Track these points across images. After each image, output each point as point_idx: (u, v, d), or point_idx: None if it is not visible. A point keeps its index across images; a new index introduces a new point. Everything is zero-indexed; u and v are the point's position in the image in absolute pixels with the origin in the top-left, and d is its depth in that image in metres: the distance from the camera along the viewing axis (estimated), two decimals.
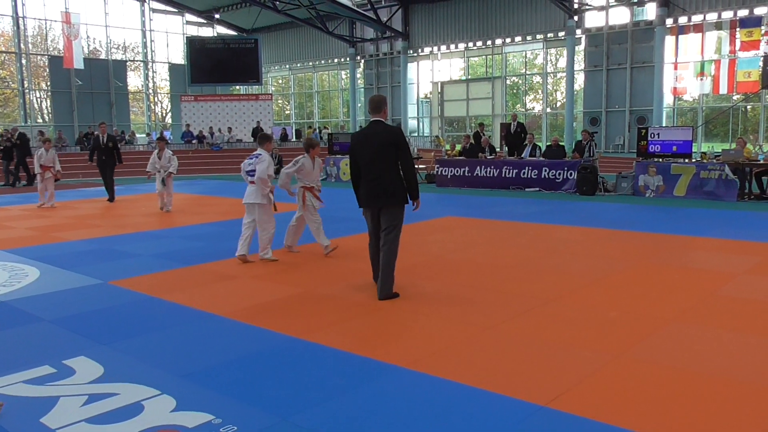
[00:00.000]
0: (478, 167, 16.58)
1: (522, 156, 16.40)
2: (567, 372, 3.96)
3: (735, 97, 24.90)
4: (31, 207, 13.69)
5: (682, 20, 24.35)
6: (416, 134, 33.87)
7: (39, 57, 33.51)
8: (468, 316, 5.19)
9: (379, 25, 32.11)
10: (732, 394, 3.60)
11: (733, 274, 6.51)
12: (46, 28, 33.00)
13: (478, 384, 3.77)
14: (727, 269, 6.73)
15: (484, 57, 31.86)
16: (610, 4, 26.34)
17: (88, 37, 34.05)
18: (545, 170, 15.41)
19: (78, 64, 30.54)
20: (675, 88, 25.23)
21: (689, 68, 24.51)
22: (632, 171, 14.49)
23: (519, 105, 31.80)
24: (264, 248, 7.67)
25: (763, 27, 22.50)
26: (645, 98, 25.72)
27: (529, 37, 28.83)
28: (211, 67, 31.17)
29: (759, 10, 22.66)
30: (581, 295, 5.81)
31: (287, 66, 39.80)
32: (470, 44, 30.82)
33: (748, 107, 25.99)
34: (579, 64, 27.54)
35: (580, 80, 27.95)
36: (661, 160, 14.00)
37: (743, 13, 22.97)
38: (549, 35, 28.16)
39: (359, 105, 35.75)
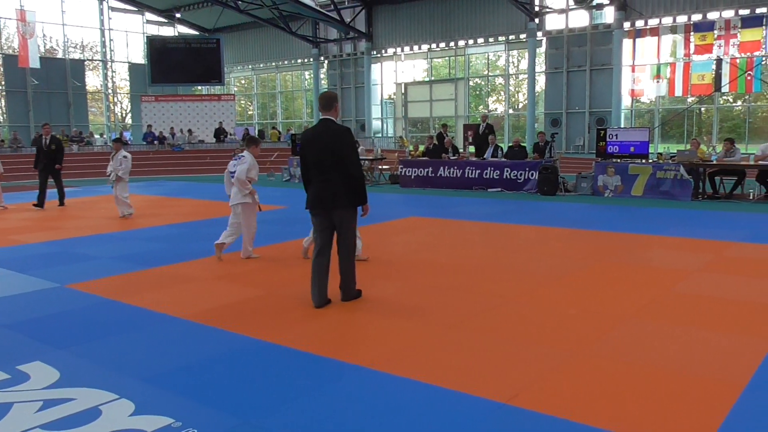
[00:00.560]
0: (442, 168, 16.69)
1: (484, 157, 16.57)
2: (527, 369, 4.03)
3: (689, 100, 25.58)
4: None
5: (639, 24, 24.92)
6: (380, 135, 33.93)
7: None
8: (430, 316, 5.23)
9: (342, 26, 32.09)
10: (685, 387, 3.70)
11: (688, 271, 6.69)
12: (0, 26, 32.11)
13: (440, 383, 3.80)
14: (682, 267, 6.91)
15: (447, 58, 32.09)
16: (570, 7, 26.80)
17: (44, 35, 33.24)
18: (507, 171, 15.59)
19: (34, 63, 29.76)
20: (633, 90, 25.80)
21: (646, 71, 25.10)
22: (592, 171, 14.77)
23: (482, 106, 32.11)
24: (246, 249, 7.76)
25: (715, 31, 23.16)
26: (604, 100, 26.23)
27: (491, 39, 29.15)
28: (173, 67, 30.72)
29: (712, 15, 23.33)
30: (542, 294, 5.90)
31: (250, 66, 39.46)
32: (433, 45, 31.01)
33: (702, 109, 26.72)
34: (540, 66, 27.94)
35: (541, 82, 28.36)
36: (619, 160, 14.30)
37: (697, 17, 23.62)
38: (510, 37, 28.51)
39: (318, 109, 35.62)
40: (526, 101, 28.43)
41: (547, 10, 27.29)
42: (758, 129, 26.05)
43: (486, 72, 31.87)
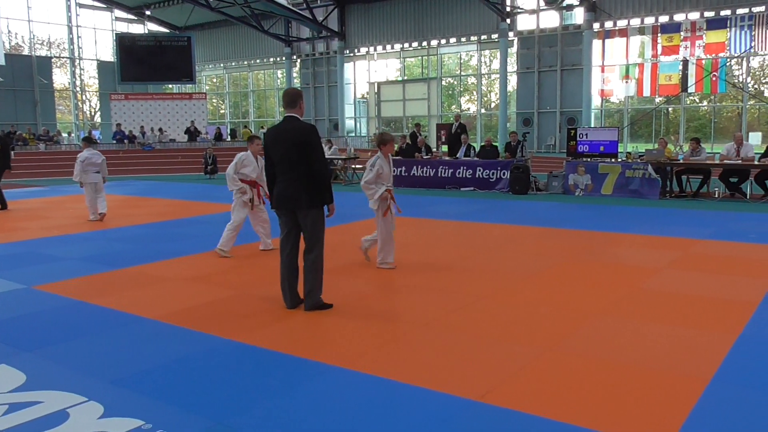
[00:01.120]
0: (415, 167, 16.75)
1: (457, 156, 16.67)
2: (499, 367, 4.06)
3: (657, 100, 26.03)
4: None
5: (608, 25, 25.28)
6: (353, 134, 33.90)
7: None
8: (403, 315, 5.25)
9: (315, 25, 31.98)
10: (652, 382, 3.77)
11: (656, 268, 6.82)
12: None
13: (412, 381, 3.81)
14: (650, 264, 7.03)
15: (419, 58, 32.18)
16: (541, 8, 27.08)
17: (9, 32, 32.54)
18: (479, 170, 15.70)
19: None
20: (602, 90, 26.19)
21: (615, 71, 25.48)
22: (563, 170, 14.94)
23: (454, 106, 32.28)
24: (223, 243, 7.88)
25: (681, 33, 23.61)
26: (575, 100, 26.56)
27: (463, 39, 29.32)
28: (143, 65, 30.32)
29: (678, 17, 23.78)
30: (514, 292, 5.96)
31: (222, 65, 39.13)
32: (406, 45, 31.10)
33: (670, 109, 27.21)
34: (512, 65, 28.19)
35: (513, 82, 28.61)
36: (589, 159, 14.49)
37: (664, 19, 24.05)
38: (483, 37, 28.71)
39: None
40: (498, 101, 28.66)
41: (519, 10, 27.54)
42: (723, 129, 26.61)
43: (458, 72, 32.05)
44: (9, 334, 4.86)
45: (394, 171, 16.78)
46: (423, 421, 3.32)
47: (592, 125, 24.89)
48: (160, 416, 3.38)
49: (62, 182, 19.76)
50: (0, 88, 31.24)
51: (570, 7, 26.36)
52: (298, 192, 5.22)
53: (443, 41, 29.87)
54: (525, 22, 27.66)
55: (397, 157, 17.52)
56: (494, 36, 28.03)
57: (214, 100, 41.91)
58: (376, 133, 31.80)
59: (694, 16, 23.44)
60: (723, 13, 22.88)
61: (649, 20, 24.37)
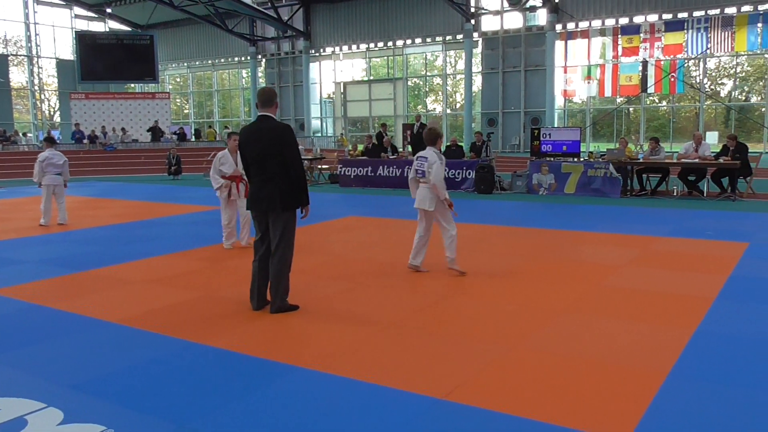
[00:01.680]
0: (381, 167, 16.78)
1: None
2: (464, 365, 4.11)
3: (618, 100, 26.54)
4: None
5: (571, 26, 25.70)
6: (320, 134, 33.80)
7: None
8: (369, 315, 5.26)
9: (280, 24, 31.80)
10: (613, 377, 3.85)
11: (617, 265, 6.96)
12: None
13: (378, 381, 3.83)
14: (611, 261, 7.18)
15: (385, 58, 32.26)
16: (505, 9, 27.38)
17: None
18: (445, 170, 15.78)
19: None
20: (565, 91, 26.61)
21: (577, 72, 25.92)
22: (527, 170, 15.13)
23: (420, 106, 32.43)
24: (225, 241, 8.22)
25: (641, 34, 24.13)
26: (538, 100, 26.92)
27: (428, 39, 29.48)
28: (104, 63, 29.75)
29: (638, 19, 24.29)
30: (479, 290, 6.02)
31: (185, 64, 38.64)
32: (371, 45, 31.13)
33: (630, 109, 27.77)
34: (477, 66, 28.45)
35: (478, 82, 28.87)
36: (552, 159, 14.71)
37: (624, 21, 24.55)
38: (448, 38, 28.91)
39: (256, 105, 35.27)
40: (464, 101, 28.88)
41: (483, 11, 27.80)
42: (681, 128, 27.29)
43: (424, 72, 32.20)
44: None
45: (360, 171, 16.94)
46: (389, 420, 3.33)
47: (556, 125, 25.27)
48: (122, 421, 3.33)
49: (21, 183, 19.28)
50: None
51: (533, 9, 26.71)
52: (272, 193, 5.14)
53: (408, 41, 29.99)
54: (489, 23, 27.94)
55: (363, 158, 17.55)
56: (459, 36, 28.25)
57: (178, 100, 41.35)
58: (342, 133, 31.78)
59: (653, 18, 23.99)
60: (680, 15, 23.46)
61: (610, 22, 24.84)
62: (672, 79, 23.74)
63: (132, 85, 36.35)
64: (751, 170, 13.22)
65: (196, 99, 40.19)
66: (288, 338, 4.83)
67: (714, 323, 4.88)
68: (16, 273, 7.02)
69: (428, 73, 32.15)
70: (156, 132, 27.78)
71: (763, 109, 24.92)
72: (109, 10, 35.08)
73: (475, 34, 27.86)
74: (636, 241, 8.44)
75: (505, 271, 6.80)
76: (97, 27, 36.62)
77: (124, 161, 24.74)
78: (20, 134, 29.52)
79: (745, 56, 25.56)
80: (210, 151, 24.84)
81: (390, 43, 30.52)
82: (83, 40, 30.21)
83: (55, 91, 36.13)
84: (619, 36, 24.57)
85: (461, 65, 29.74)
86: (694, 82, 25.42)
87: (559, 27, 25.84)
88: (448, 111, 31.11)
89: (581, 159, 14.69)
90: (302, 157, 19.76)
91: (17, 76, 34.95)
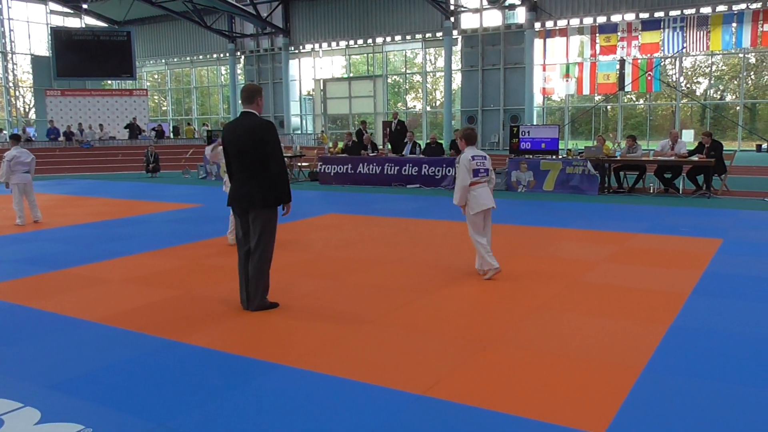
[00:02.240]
0: (361, 164, 16.78)
1: (403, 153, 16.79)
2: (443, 361, 4.14)
3: (596, 98, 26.80)
4: None
5: (549, 24, 25.89)
6: (299, 132, 33.69)
7: None
8: (349, 312, 5.27)
9: (259, 21, 31.62)
10: (589, 373, 3.91)
11: (594, 262, 7.05)
12: None
13: (358, 378, 3.85)
14: (588, 258, 7.27)
15: (365, 55, 32.23)
16: (484, 7, 27.50)
17: None
18: (425, 167, 15.86)
19: None
20: (544, 89, 26.81)
21: (556, 70, 26.13)
22: (506, 167, 15.24)
23: (400, 103, 32.46)
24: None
25: (618, 33, 24.39)
26: (517, 98, 27.08)
27: (408, 37, 29.51)
28: (80, 60, 29.32)
29: (615, 18, 24.55)
30: (458, 288, 6.06)
31: (163, 61, 38.27)
32: (351, 42, 31.09)
33: (608, 107, 28.05)
34: (456, 64, 28.54)
35: (457, 80, 28.97)
36: (531, 156, 14.82)
37: (602, 19, 24.79)
38: (427, 35, 28.97)
39: (240, 101, 35.10)
40: (444, 98, 28.97)
41: (462, 9, 27.89)
42: (658, 126, 27.63)
43: (404, 69, 32.23)
44: None
45: (340, 168, 16.93)
46: (369, 416, 3.35)
47: (535, 123, 25.46)
48: (99, 420, 3.31)
49: None
50: None
51: (512, 7, 26.86)
52: (253, 191, 5.12)
53: (388, 39, 30.00)
54: (469, 21, 28.04)
55: (343, 155, 17.54)
56: (439, 34, 28.32)
57: (156, 97, 40.95)
58: (322, 131, 31.69)
59: (630, 17, 24.25)
60: (657, 14, 23.75)
61: (588, 20, 25.07)
62: (649, 78, 24.04)
63: (109, 81, 35.91)
64: (726, 168, 13.44)
65: (174, 96, 39.83)
66: (268, 336, 4.83)
67: (689, 318, 4.96)
68: None
69: (408, 71, 32.19)
70: (133, 129, 27.49)
71: (738, 108, 25.34)
72: (85, 6, 34.60)
73: (455, 32, 27.96)
74: (613, 237, 8.55)
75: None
76: (73, 23, 36.12)
77: (101, 159, 24.46)
78: None
79: (720, 55, 25.95)
80: (188, 149, 24.67)
81: (370, 41, 30.51)
82: (59, 36, 29.77)
83: (30, 87, 35.58)
84: (597, 34, 24.81)
85: (441, 63, 29.82)
86: (670, 80, 25.75)
87: (537, 25, 26.02)
88: (428, 108, 31.18)
89: (560, 156, 14.83)
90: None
91: None
